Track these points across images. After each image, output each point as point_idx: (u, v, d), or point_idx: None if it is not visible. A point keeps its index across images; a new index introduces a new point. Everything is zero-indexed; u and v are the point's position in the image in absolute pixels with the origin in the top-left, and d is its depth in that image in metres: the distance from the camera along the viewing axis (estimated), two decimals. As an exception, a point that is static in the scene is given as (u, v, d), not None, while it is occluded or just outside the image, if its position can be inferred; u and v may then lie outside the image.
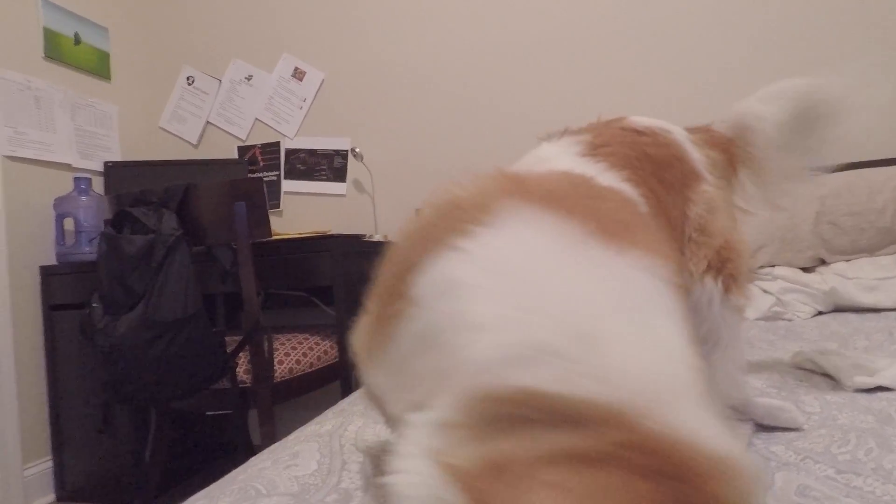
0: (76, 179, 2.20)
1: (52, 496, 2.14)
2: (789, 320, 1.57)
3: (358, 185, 2.51)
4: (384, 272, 0.43)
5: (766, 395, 0.86)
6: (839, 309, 1.60)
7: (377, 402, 0.51)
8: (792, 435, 0.74)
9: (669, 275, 0.37)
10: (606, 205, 0.44)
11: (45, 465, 2.13)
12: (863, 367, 0.90)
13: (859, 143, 1.87)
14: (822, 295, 1.61)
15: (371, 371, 0.45)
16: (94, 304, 1.57)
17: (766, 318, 1.60)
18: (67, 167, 2.33)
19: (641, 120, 0.75)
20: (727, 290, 0.67)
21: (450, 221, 0.39)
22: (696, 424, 0.28)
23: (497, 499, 0.25)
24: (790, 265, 1.72)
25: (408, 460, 0.29)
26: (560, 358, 0.29)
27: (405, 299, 0.38)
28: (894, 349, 1.12)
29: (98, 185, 2.39)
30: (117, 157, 2.57)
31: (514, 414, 0.28)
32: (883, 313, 1.49)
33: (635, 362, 0.30)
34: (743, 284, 0.69)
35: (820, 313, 1.61)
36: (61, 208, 2.16)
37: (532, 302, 0.32)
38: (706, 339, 0.68)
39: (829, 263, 1.71)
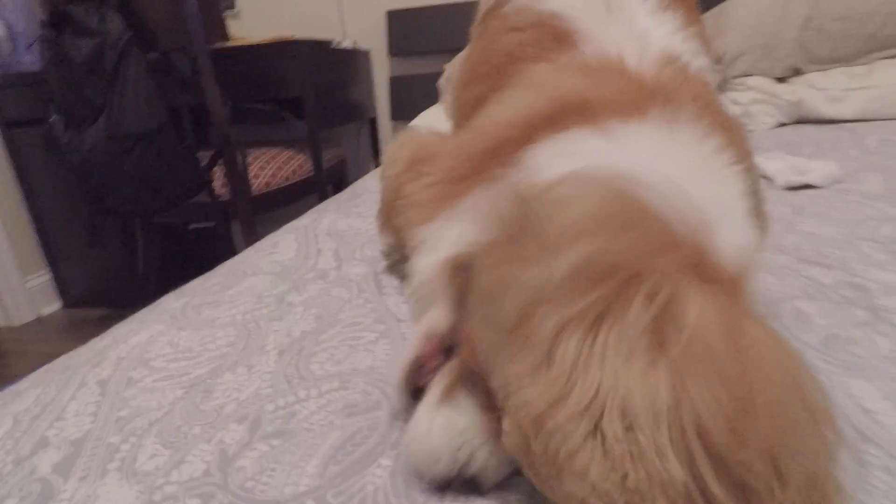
0: (-7, -28, 1.92)
1: (58, 304, 2.33)
2: (752, 131, 1.62)
3: (320, -18, 2.26)
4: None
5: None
6: (801, 121, 1.65)
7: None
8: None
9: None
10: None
11: (44, 276, 2.28)
12: (797, 169, 0.98)
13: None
14: (788, 106, 1.63)
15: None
16: (53, 118, 1.52)
17: (730, 129, 1.64)
18: (-22, -43, 2.01)
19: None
20: None
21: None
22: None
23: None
24: (766, 75, 1.70)
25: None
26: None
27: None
28: (836, 155, 1.20)
29: (21, -20, 2.09)
30: (35, -55, 2.20)
31: None
32: (840, 125, 1.54)
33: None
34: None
35: (782, 125, 1.65)
36: (-14, 9, 1.93)
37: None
38: None
39: (804, 73, 1.69)
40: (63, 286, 2.29)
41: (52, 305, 2.29)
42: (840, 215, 0.84)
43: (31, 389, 0.52)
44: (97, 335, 0.64)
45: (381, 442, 0.43)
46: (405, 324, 0.59)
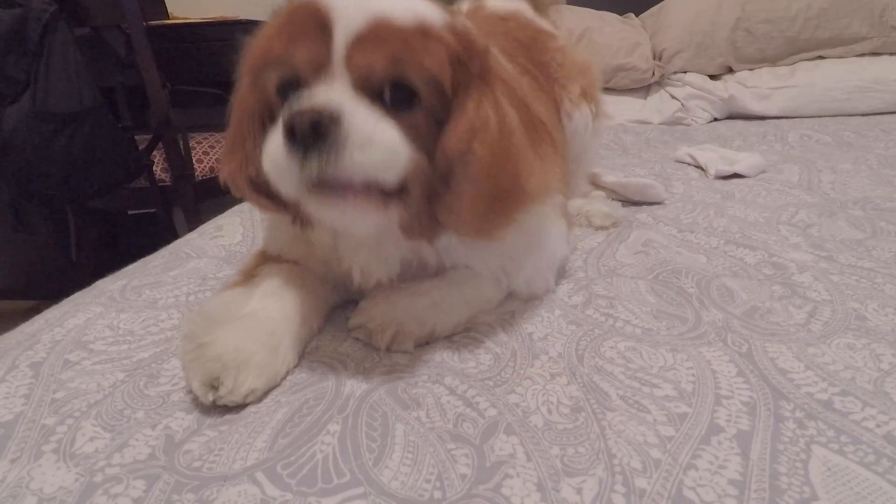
0: None
1: (-22, 295, 2.16)
2: (688, 125, 1.71)
3: (265, -38, 2.18)
4: None
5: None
6: (733, 116, 1.76)
7: None
8: (655, 206, 0.90)
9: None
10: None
11: (-37, 265, 2.10)
12: (727, 159, 1.05)
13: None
14: (720, 102, 1.74)
15: None
16: (-32, 94, 1.40)
17: (669, 123, 1.73)
18: None
19: (497, 4, 0.87)
20: (595, 112, 0.86)
21: None
22: None
23: None
24: (701, 72, 1.80)
25: None
26: None
27: None
28: (762, 148, 1.29)
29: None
30: None
31: None
32: (766, 121, 1.66)
33: None
34: (598, 98, 0.88)
35: (716, 119, 1.76)
36: None
37: None
38: (578, 154, 0.86)
39: (735, 72, 1.80)
40: (-17, 278, 2.12)
41: (-31, 298, 2.12)
42: (763, 202, 0.91)
43: (-47, 376, 0.49)
44: (23, 328, 0.61)
45: (328, 409, 0.44)
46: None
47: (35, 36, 1.31)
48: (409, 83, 0.43)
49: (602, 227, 0.84)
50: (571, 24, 1.81)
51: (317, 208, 0.45)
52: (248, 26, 1.67)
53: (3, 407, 0.44)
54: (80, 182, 1.45)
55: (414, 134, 0.44)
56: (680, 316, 0.56)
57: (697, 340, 0.52)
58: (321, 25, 0.43)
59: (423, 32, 0.44)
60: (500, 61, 0.53)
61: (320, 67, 0.43)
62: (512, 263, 0.59)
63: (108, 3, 1.40)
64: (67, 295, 0.66)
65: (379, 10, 0.43)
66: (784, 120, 1.63)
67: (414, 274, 0.57)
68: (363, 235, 0.50)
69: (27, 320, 0.60)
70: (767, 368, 0.46)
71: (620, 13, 1.96)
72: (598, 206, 0.86)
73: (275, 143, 0.42)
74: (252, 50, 0.49)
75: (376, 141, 0.41)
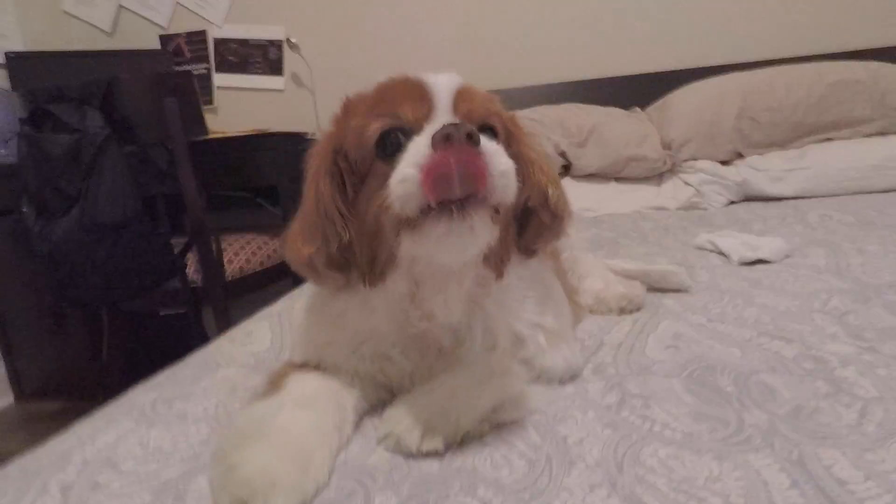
0: (-25, 72, 1.98)
1: (10, 398, 2.18)
2: (704, 209, 1.73)
3: (296, 79, 2.40)
4: None
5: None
6: (749, 198, 1.78)
7: None
8: (682, 294, 0.89)
9: None
10: None
11: (-2, 369, 2.15)
12: (749, 245, 1.05)
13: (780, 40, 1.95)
14: (735, 186, 1.77)
15: None
16: (24, 209, 1.51)
17: (685, 208, 1.75)
18: (-39, 58, 2.08)
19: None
20: None
21: None
22: None
23: None
24: (711, 158, 1.85)
25: None
26: None
27: None
28: (783, 231, 1.29)
29: (1, 79, 2.16)
30: (19, 47, 2.30)
31: None
32: (784, 201, 1.67)
33: None
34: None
35: (732, 202, 1.78)
36: (-36, 106, 1.97)
37: None
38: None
39: (745, 157, 1.85)
40: (17, 378, 2.16)
41: (2, 399, 2.15)
42: (793, 289, 0.89)
43: (-15, 499, 0.49)
44: (52, 430, 0.61)
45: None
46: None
47: (88, 156, 1.44)
48: (493, 126, 0.56)
49: (622, 310, 0.84)
50: (580, 120, 1.92)
51: (444, 224, 0.47)
52: (276, 137, 1.81)
53: (33, 536, 0.43)
54: (119, 287, 1.52)
55: None
56: (721, 418, 0.54)
57: (743, 446, 0.49)
58: (421, 89, 0.53)
59: (492, 99, 0.59)
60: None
61: (427, 115, 0.52)
62: (538, 310, 0.63)
63: (156, 124, 1.55)
64: (96, 395, 0.66)
65: (462, 81, 0.56)
66: (802, 200, 1.65)
67: (461, 337, 0.59)
68: (463, 259, 0.53)
69: (56, 422, 0.60)
70: (823, 478, 0.43)
71: (625, 108, 2.07)
72: (615, 288, 0.87)
73: (407, 168, 0.48)
74: (332, 132, 0.58)
75: (510, 166, 0.49)
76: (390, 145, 0.51)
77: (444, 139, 0.46)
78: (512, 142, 0.58)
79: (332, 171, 0.55)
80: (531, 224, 0.60)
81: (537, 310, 0.63)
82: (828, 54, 1.97)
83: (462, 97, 0.54)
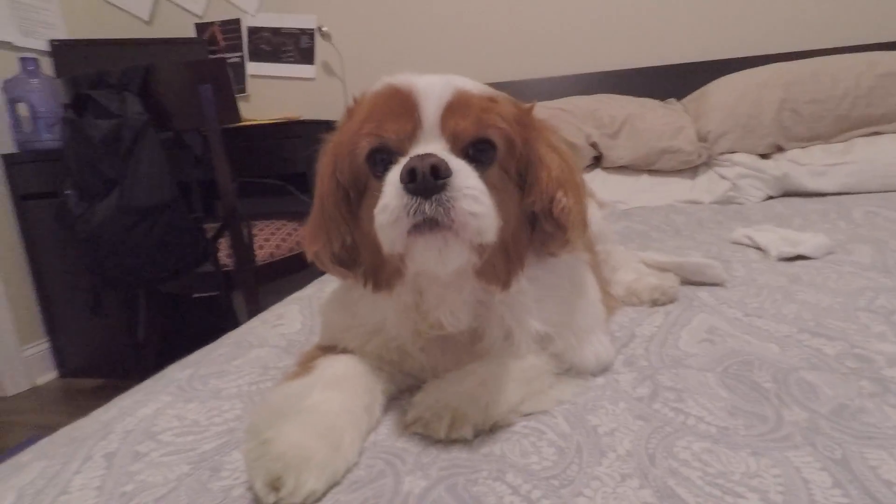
0: (22, 60, 2.05)
1: (54, 373, 2.28)
2: (741, 203, 1.68)
3: (327, 67, 2.41)
4: None
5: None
6: (788, 193, 1.72)
7: None
8: (717, 288, 0.87)
9: None
10: None
11: (42, 346, 2.25)
12: (789, 240, 1.02)
13: (825, 29, 1.87)
14: (774, 180, 1.71)
15: None
16: (67, 192, 1.57)
17: (720, 202, 1.71)
18: (9, 46, 2.16)
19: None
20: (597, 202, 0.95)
21: None
22: None
23: None
24: (750, 152, 1.79)
25: None
26: None
27: None
28: (825, 227, 1.24)
29: (46, 66, 2.24)
30: (63, 35, 2.37)
31: None
32: (826, 197, 1.61)
33: None
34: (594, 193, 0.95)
35: (770, 197, 1.72)
36: (12, 92, 2.04)
37: None
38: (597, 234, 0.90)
39: (785, 150, 1.79)
40: (60, 356, 2.25)
41: (47, 375, 2.25)
42: (836, 286, 0.86)
43: (34, 462, 0.51)
44: (91, 406, 0.64)
45: (387, 511, 0.42)
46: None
47: (128, 141, 1.48)
48: (490, 139, 0.51)
49: (654, 302, 0.83)
50: (613, 110, 1.88)
51: (419, 247, 0.48)
52: (306, 125, 1.83)
53: (79, 500, 0.45)
54: (154, 268, 1.56)
55: (492, 187, 0.50)
56: (758, 414, 0.52)
57: (782, 443, 0.48)
58: (409, 103, 0.50)
59: (493, 100, 0.53)
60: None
61: (411, 136, 0.50)
62: (564, 310, 0.61)
63: (191, 111, 1.58)
64: (132, 374, 0.69)
65: (458, 85, 0.52)
66: (845, 196, 1.58)
67: (479, 333, 0.59)
68: (447, 274, 0.53)
69: (96, 397, 0.62)
70: (869, 479, 0.42)
71: (661, 99, 2.02)
72: (647, 279, 0.85)
73: (389, 194, 0.47)
74: (336, 138, 0.57)
75: (484, 199, 0.48)
76: (380, 163, 0.51)
77: (409, 175, 0.45)
78: (522, 146, 0.54)
79: (335, 177, 0.55)
80: (536, 230, 0.57)
81: (562, 308, 0.61)
82: (878, 44, 1.87)
83: (453, 110, 0.50)
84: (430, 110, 0.50)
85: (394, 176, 0.47)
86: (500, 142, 0.52)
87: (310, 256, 0.59)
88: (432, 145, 0.49)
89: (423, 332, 0.57)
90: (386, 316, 0.58)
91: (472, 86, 0.53)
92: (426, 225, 0.46)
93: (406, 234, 0.47)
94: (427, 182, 0.45)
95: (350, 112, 0.57)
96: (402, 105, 0.51)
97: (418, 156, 0.46)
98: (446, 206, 0.45)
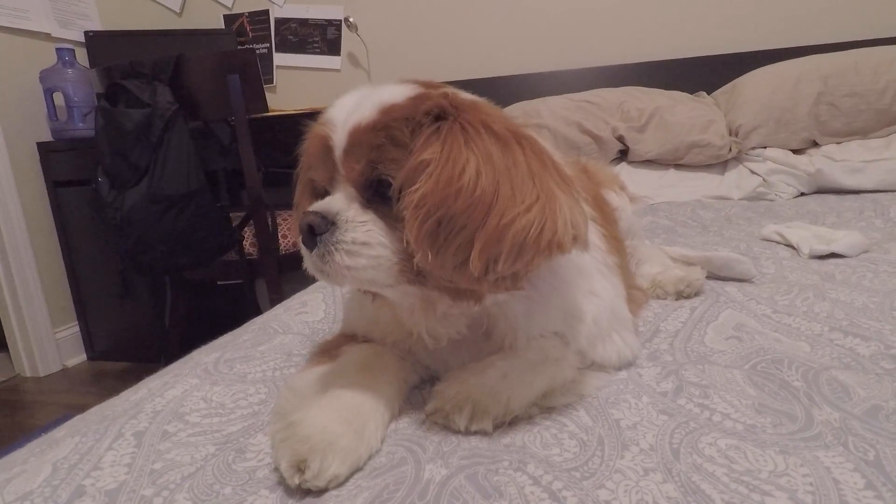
0: (59, 51, 2.11)
1: (83, 356, 2.36)
2: (771, 200, 1.64)
3: (353, 59, 2.42)
4: None
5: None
6: (821, 190, 1.66)
7: None
8: (746, 284, 0.85)
9: None
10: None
11: (73, 329, 2.32)
12: (822, 238, 0.99)
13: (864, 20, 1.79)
14: (807, 177, 1.66)
15: None
16: (99, 179, 1.61)
17: (750, 198, 1.66)
18: (47, 37, 2.22)
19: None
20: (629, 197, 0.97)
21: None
22: None
23: None
24: (783, 146, 1.74)
25: None
26: None
27: None
28: (860, 225, 1.20)
29: (81, 57, 2.29)
30: (97, 27, 2.43)
31: None
32: (862, 195, 1.55)
33: None
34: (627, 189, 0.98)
35: (802, 194, 1.67)
36: (49, 82, 2.10)
37: None
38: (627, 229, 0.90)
39: (820, 146, 1.73)
40: (90, 339, 2.33)
41: (77, 357, 2.32)
42: (871, 285, 0.83)
43: (68, 438, 0.53)
44: (119, 388, 0.66)
45: (407, 495, 0.43)
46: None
47: (158, 130, 1.51)
48: (381, 179, 0.50)
49: (679, 294, 0.82)
50: (641, 103, 1.85)
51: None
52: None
53: (110, 475, 0.46)
54: (181, 255, 1.60)
55: (401, 220, 0.48)
56: (787, 412, 0.51)
57: (812, 442, 0.46)
58: (326, 147, 0.52)
59: (386, 124, 0.49)
60: (489, 113, 0.51)
61: (331, 179, 0.53)
62: (569, 315, 0.59)
63: (219, 100, 1.60)
64: (158, 358, 0.71)
65: (354, 122, 0.50)
66: (882, 194, 1.53)
67: (487, 331, 0.58)
68: (398, 301, 0.55)
69: (122, 380, 0.64)
70: (905, 482, 0.40)
71: (691, 92, 1.97)
72: (672, 272, 0.84)
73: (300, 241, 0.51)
74: (301, 148, 0.58)
75: (362, 252, 0.48)
76: (326, 193, 0.54)
77: (299, 229, 0.50)
78: (424, 145, 0.47)
79: (306, 189, 0.58)
80: None
81: (567, 309, 0.59)
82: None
83: (348, 154, 0.50)
84: (338, 154, 0.51)
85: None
86: (396, 173, 0.48)
87: (296, 241, 0.60)
88: (340, 191, 0.51)
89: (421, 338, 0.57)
90: (389, 315, 0.59)
91: (371, 106, 0.50)
92: (319, 272, 0.50)
93: (319, 274, 0.51)
94: (307, 239, 0.49)
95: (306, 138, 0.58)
96: (322, 151, 0.52)
97: (307, 211, 0.50)
98: (325, 260, 0.49)
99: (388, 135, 0.49)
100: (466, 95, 0.54)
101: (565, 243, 0.47)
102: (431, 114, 0.49)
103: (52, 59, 2.15)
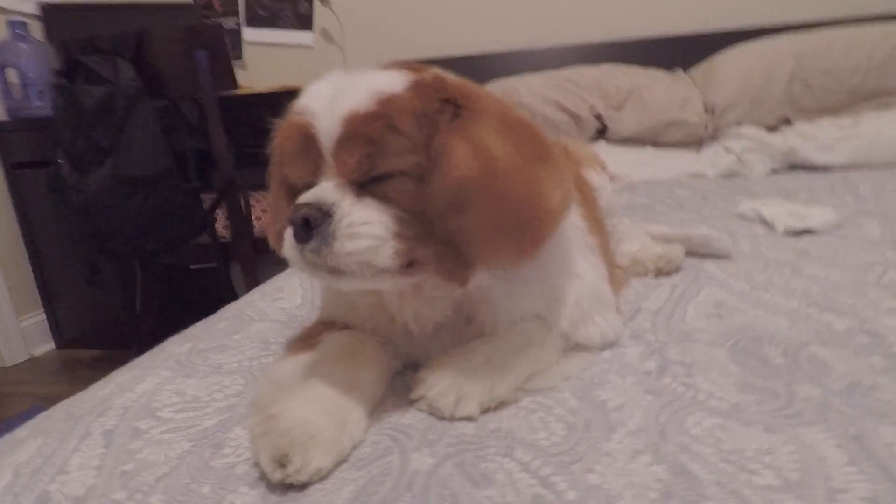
0: (10, 23, 1.98)
1: (52, 344, 2.28)
2: (745, 177, 1.66)
3: (326, 34, 2.34)
4: None
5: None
6: (794, 167, 1.69)
7: None
8: (724, 261, 0.86)
9: None
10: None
11: (39, 317, 2.24)
12: (797, 214, 1.00)
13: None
14: (780, 154, 1.68)
15: None
16: (59, 161, 1.53)
17: (725, 176, 1.68)
18: (-4, 9, 2.08)
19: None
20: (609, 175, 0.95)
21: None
22: None
23: None
24: (758, 124, 1.76)
25: None
26: None
27: None
28: (832, 201, 1.22)
29: (36, 31, 2.16)
30: (52, -1, 2.29)
31: None
32: (832, 172, 1.58)
33: None
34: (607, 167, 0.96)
35: (775, 171, 1.69)
36: (1, 57, 1.98)
37: None
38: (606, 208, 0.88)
39: (793, 123, 1.75)
40: (57, 327, 2.25)
41: (45, 346, 2.25)
42: (845, 260, 0.85)
43: (31, 439, 0.50)
44: (90, 377, 0.63)
45: (394, 487, 0.42)
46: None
47: (121, 109, 1.44)
48: (381, 173, 0.48)
49: (659, 271, 0.83)
50: (619, 81, 1.84)
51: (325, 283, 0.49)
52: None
53: (77, 479, 0.44)
54: (150, 239, 1.54)
55: (399, 196, 0.48)
56: (770, 390, 0.51)
57: (794, 419, 0.47)
58: (308, 139, 0.49)
59: (386, 114, 0.47)
60: (488, 98, 0.52)
61: (315, 171, 0.49)
62: (551, 295, 0.59)
63: (186, 78, 1.53)
64: (130, 344, 0.68)
65: (347, 111, 0.47)
66: (852, 171, 1.56)
67: (469, 316, 0.57)
68: (389, 290, 0.53)
69: (93, 368, 0.61)
70: (885, 457, 0.41)
71: (668, 70, 1.97)
72: (652, 249, 0.85)
73: (286, 236, 0.48)
74: (273, 143, 0.55)
75: (363, 232, 0.46)
76: (301, 189, 0.51)
77: (291, 223, 0.47)
78: (427, 144, 0.48)
79: (279, 172, 0.55)
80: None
81: (549, 291, 0.59)
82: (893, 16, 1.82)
83: (342, 146, 0.47)
84: (326, 145, 0.48)
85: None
86: (397, 164, 0.47)
87: (271, 242, 0.57)
88: (329, 181, 0.48)
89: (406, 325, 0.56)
90: (377, 299, 0.57)
91: (367, 92, 0.47)
92: (314, 268, 0.48)
93: (310, 271, 0.48)
94: (301, 233, 0.46)
95: (279, 129, 0.55)
96: (301, 143, 0.50)
97: (296, 206, 0.47)
98: (323, 252, 0.46)
99: (388, 125, 0.47)
100: (454, 78, 0.52)
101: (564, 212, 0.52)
102: (446, 111, 0.49)
103: (3, 32, 2.02)
